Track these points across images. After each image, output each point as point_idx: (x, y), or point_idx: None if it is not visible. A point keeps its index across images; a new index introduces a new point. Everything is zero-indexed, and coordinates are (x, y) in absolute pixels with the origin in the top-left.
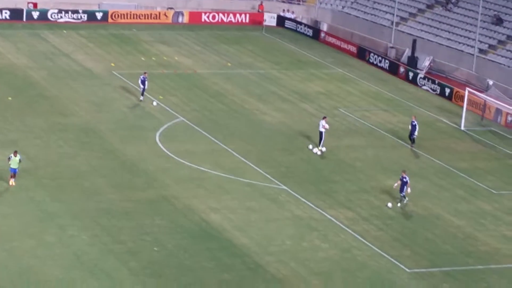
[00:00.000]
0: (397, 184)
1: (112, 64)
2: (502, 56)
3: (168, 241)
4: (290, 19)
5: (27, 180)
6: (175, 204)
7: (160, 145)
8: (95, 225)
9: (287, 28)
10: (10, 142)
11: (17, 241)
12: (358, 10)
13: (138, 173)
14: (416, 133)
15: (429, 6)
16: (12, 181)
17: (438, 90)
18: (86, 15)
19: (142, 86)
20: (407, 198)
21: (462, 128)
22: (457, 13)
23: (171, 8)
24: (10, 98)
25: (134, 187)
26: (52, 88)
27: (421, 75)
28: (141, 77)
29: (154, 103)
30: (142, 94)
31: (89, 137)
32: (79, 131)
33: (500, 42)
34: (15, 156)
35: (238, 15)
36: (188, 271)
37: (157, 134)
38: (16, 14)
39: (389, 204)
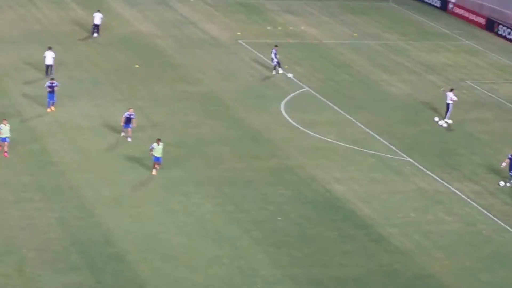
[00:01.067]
0: (505, 163)
1: (239, 33)
2: None
3: (291, 210)
4: None
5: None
6: (298, 174)
7: (284, 114)
8: (219, 193)
9: None
10: (138, 108)
11: (142, 208)
12: None
13: (262, 142)
14: None
15: None
16: (154, 171)
17: None
18: None
19: (275, 60)
20: None
21: None
22: None
23: None
24: (137, 66)
25: (258, 156)
26: (178, 56)
27: None
28: (274, 50)
29: (290, 75)
30: (278, 67)
31: (214, 106)
32: (204, 99)
33: None
34: (158, 144)
35: None
36: (311, 241)
37: (282, 104)
38: None
39: (501, 183)
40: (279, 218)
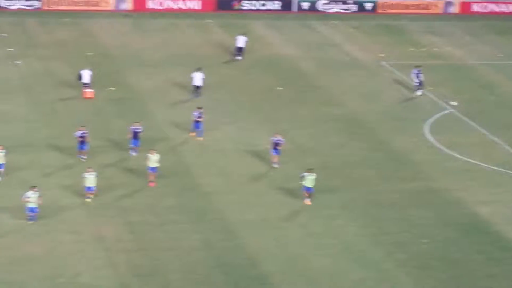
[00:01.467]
0: None
1: (381, 55)
2: None
3: (436, 233)
4: None
5: (296, 170)
6: (443, 196)
7: (428, 136)
8: (364, 215)
9: None
10: (282, 130)
11: (286, 230)
12: None
13: (407, 164)
14: None
15: None
16: (307, 201)
17: None
18: (356, 6)
19: (416, 80)
20: None
21: None
22: None
23: None
24: (280, 88)
25: (402, 178)
26: (321, 78)
27: None
28: (415, 71)
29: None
30: (419, 89)
31: (357, 127)
32: (348, 121)
33: None
34: (309, 174)
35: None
36: (457, 264)
37: (425, 125)
38: (286, 5)
39: None
40: (424, 240)
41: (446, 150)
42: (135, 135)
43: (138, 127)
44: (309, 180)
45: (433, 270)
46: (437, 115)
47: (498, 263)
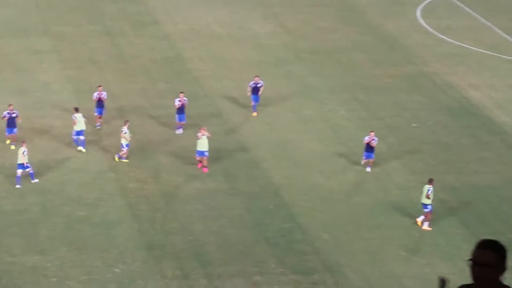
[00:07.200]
0: None
1: None
2: None
3: (427, 117)
4: None
5: (286, 53)
6: (435, 81)
7: (420, 20)
8: (354, 100)
9: None
10: (272, 15)
11: (277, 115)
12: None
13: (398, 49)
14: None
15: None
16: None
17: None
18: None
19: None
20: None
21: None
22: None
23: None
24: None
25: (394, 63)
26: None
27: None
28: None
29: None
30: None
31: (349, 12)
32: (339, 5)
33: None
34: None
35: None
36: (447, 148)
37: (418, 9)
38: None
39: None
40: (414, 125)
41: (438, 34)
42: None
43: None
44: None
45: (424, 154)
46: None
47: (487, 147)
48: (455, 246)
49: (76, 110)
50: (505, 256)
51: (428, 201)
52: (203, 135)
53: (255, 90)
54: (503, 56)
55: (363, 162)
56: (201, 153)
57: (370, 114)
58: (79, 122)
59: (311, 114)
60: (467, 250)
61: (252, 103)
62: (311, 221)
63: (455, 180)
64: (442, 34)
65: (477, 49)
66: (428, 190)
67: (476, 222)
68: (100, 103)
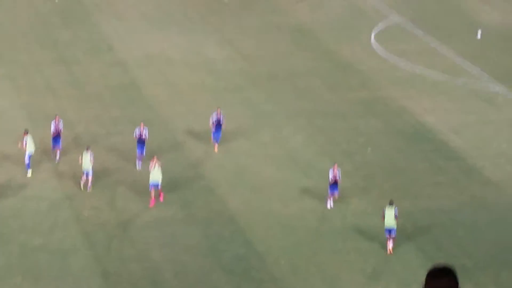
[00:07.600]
0: None
1: None
2: None
3: (382, 142)
4: None
5: (242, 79)
6: (389, 105)
7: (375, 45)
8: (310, 125)
9: None
10: (227, 41)
11: (234, 142)
12: None
13: (353, 73)
14: None
15: None
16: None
17: None
18: None
19: None
20: None
21: None
22: None
23: None
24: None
25: (350, 88)
26: None
27: None
28: None
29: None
30: None
31: (304, 37)
32: (294, 30)
33: None
34: None
35: None
36: (402, 172)
37: (373, 34)
38: None
39: None
40: (369, 149)
41: (391, 58)
42: None
43: None
44: None
45: (379, 179)
46: (382, 24)
47: (442, 172)
48: (412, 271)
49: (26, 132)
50: (457, 278)
51: (395, 223)
52: (156, 163)
53: (218, 125)
54: (457, 80)
55: (328, 200)
56: (155, 185)
57: (327, 139)
58: (30, 144)
59: (267, 140)
60: (423, 275)
61: (213, 140)
62: (268, 248)
63: (410, 205)
64: (396, 58)
65: (431, 73)
66: (395, 210)
67: (431, 247)
68: (56, 136)
